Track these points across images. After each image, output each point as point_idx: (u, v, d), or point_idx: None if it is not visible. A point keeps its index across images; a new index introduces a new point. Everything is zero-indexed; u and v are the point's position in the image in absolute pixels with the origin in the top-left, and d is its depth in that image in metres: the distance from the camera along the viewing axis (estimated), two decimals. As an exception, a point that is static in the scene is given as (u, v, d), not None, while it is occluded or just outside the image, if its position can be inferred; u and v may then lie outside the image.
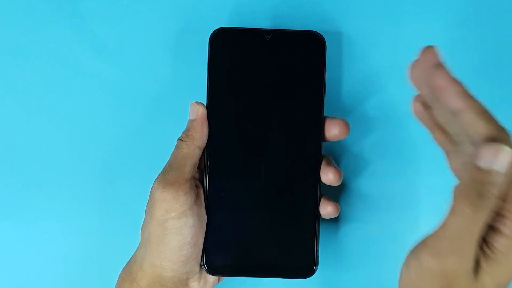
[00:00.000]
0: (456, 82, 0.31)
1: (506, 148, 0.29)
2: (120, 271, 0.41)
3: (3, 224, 0.46)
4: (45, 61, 0.46)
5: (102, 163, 0.46)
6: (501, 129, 0.30)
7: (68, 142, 0.46)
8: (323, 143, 0.41)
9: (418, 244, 0.33)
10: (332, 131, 0.40)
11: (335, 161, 0.42)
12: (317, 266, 0.40)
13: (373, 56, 0.45)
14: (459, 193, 0.30)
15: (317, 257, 0.40)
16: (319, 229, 0.41)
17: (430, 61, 0.31)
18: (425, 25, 0.45)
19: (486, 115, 0.30)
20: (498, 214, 0.31)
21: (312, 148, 0.40)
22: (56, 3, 0.46)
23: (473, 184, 0.30)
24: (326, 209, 0.40)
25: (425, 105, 0.35)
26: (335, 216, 0.41)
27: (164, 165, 0.39)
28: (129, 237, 0.44)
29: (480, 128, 0.30)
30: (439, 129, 0.35)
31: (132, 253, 0.41)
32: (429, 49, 0.32)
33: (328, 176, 0.40)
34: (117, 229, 0.46)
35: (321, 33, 0.41)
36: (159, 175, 0.39)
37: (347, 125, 0.40)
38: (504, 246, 0.31)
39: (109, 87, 0.46)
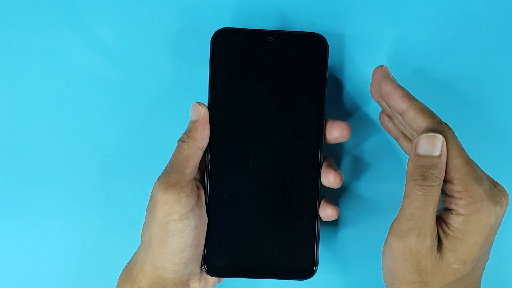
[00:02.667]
0: (399, 87, 0.37)
1: (438, 135, 0.35)
2: (120, 271, 0.41)
3: (3, 224, 0.46)
4: (45, 61, 0.45)
5: (102, 163, 0.46)
6: (439, 121, 0.36)
7: (68, 142, 0.46)
8: (324, 145, 0.41)
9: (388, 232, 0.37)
10: (333, 133, 0.41)
11: (336, 164, 0.42)
12: (317, 267, 0.41)
13: (375, 58, 0.45)
14: (408, 179, 0.36)
15: (317, 258, 0.41)
16: (319, 231, 0.41)
17: (379, 76, 0.38)
18: (426, 26, 0.45)
19: (425, 111, 0.36)
20: (451, 197, 0.35)
21: (313, 151, 0.40)
22: (56, 3, 0.45)
23: (417, 169, 0.35)
24: (326, 212, 0.41)
25: (389, 117, 0.42)
26: (335, 219, 0.41)
27: (165, 166, 0.39)
28: (129, 237, 0.44)
29: (420, 122, 0.36)
30: (403, 137, 0.41)
31: (132, 254, 0.41)
32: (378, 68, 0.39)
33: (328, 179, 0.40)
34: (117, 229, 0.46)
35: (323, 35, 0.40)
36: (160, 176, 0.39)
37: (348, 128, 0.40)
38: (460, 224, 0.35)
39: (110, 87, 0.45)
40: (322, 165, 0.41)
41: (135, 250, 0.41)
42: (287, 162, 0.40)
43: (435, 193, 0.35)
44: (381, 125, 0.43)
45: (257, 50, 0.40)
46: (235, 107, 0.40)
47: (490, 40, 0.45)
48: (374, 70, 0.39)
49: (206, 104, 0.40)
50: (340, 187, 0.41)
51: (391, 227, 0.37)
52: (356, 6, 0.45)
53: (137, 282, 0.39)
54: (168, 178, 0.38)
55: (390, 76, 0.38)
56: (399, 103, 0.36)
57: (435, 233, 0.36)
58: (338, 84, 0.45)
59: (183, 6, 0.45)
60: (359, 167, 0.45)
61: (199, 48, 0.44)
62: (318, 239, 0.41)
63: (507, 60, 0.45)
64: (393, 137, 0.42)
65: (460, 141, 0.36)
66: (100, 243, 0.46)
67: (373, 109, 0.45)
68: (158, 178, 0.39)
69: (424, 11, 0.45)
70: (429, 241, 0.35)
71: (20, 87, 0.46)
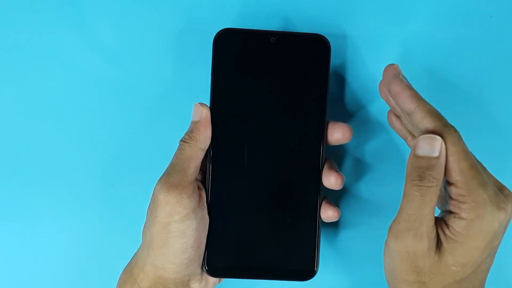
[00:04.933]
0: (409, 87, 0.36)
1: (436, 137, 0.34)
2: (121, 271, 0.41)
3: (3, 224, 0.46)
4: (46, 62, 0.45)
5: (102, 163, 0.46)
6: (446, 124, 0.35)
7: (68, 143, 0.45)
8: (326, 147, 0.41)
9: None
10: (335, 135, 0.41)
11: (337, 165, 0.42)
12: (317, 268, 0.41)
13: (377, 60, 0.45)
14: (406, 179, 0.36)
15: (318, 259, 0.41)
16: (320, 232, 0.41)
17: (390, 74, 0.37)
18: (427, 28, 0.45)
19: (433, 113, 0.35)
20: (454, 200, 0.35)
21: (314, 152, 0.40)
22: (57, 3, 0.45)
23: (415, 170, 0.35)
24: (327, 213, 0.41)
25: (397, 117, 0.41)
26: (336, 220, 0.41)
27: (167, 166, 0.39)
28: (129, 237, 0.44)
29: (427, 124, 0.35)
30: (411, 137, 0.41)
31: (132, 254, 0.41)
32: (389, 66, 0.38)
33: (330, 181, 0.40)
34: (117, 229, 0.46)
35: (326, 36, 0.40)
36: (161, 177, 0.39)
37: (350, 129, 0.41)
38: (462, 228, 0.35)
39: (111, 87, 0.45)
40: (323, 166, 0.41)
41: (135, 250, 0.41)
42: (289, 163, 0.40)
43: (432, 194, 0.35)
44: (389, 124, 0.42)
45: (259, 51, 0.40)
46: (237, 108, 0.40)
47: (491, 39, 0.45)
48: (385, 68, 0.38)
49: (208, 104, 0.40)
50: (341, 188, 0.41)
51: (389, 227, 0.37)
52: (359, 8, 0.45)
53: (137, 283, 0.39)
54: (169, 178, 0.38)
55: (400, 76, 0.37)
56: (407, 103, 0.36)
57: (434, 234, 0.35)
58: (340, 86, 0.45)
59: (185, 6, 0.45)
60: (360, 168, 0.45)
61: (201, 48, 0.44)
62: (319, 240, 0.41)
63: (508, 60, 0.45)
64: (401, 137, 0.42)
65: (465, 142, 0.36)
66: (100, 243, 0.46)
67: (374, 111, 0.45)
68: (159, 179, 0.39)
69: (425, 12, 0.45)
70: (426, 242, 0.35)
71: (20, 87, 0.45)
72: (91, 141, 0.45)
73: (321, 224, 0.41)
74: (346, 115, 0.45)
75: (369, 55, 0.45)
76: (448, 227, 0.35)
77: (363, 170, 0.45)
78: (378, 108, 0.45)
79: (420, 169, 0.35)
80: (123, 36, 0.45)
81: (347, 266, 0.46)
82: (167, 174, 0.38)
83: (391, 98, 0.39)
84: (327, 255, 0.46)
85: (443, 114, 0.36)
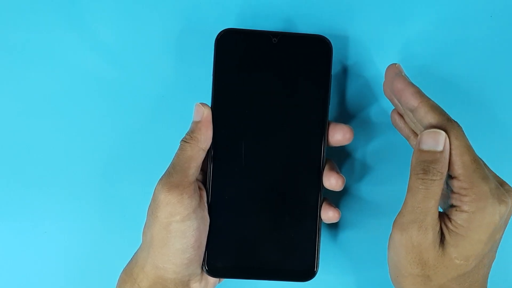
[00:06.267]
0: (411, 84, 0.37)
1: (440, 131, 0.35)
2: (120, 271, 0.41)
3: (3, 224, 0.46)
4: (46, 62, 0.45)
5: (103, 163, 0.46)
6: (449, 119, 0.36)
7: (68, 143, 0.45)
8: (326, 148, 0.41)
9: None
10: (336, 136, 0.41)
11: (337, 166, 0.42)
12: (317, 269, 0.41)
13: (378, 61, 0.45)
14: (411, 173, 0.36)
15: (318, 260, 0.41)
16: (320, 233, 0.41)
17: (392, 73, 0.39)
18: (428, 28, 0.45)
19: (436, 108, 0.36)
20: (456, 193, 0.36)
21: (315, 153, 0.40)
22: (56, 3, 0.45)
23: (419, 164, 0.36)
24: (327, 214, 0.41)
25: (400, 116, 0.42)
26: (336, 222, 0.41)
27: (167, 166, 0.39)
28: (129, 237, 0.44)
29: (430, 119, 0.36)
30: (413, 136, 0.42)
31: (132, 254, 0.41)
32: (391, 66, 0.39)
33: (330, 182, 0.40)
34: (117, 229, 0.46)
35: (327, 37, 0.40)
36: (162, 177, 0.39)
37: (351, 131, 0.41)
38: (464, 220, 0.35)
39: (111, 87, 0.45)
40: (324, 167, 0.41)
41: (135, 250, 0.41)
42: (290, 164, 0.40)
43: (437, 188, 0.35)
44: (392, 123, 0.43)
45: (261, 51, 0.40)
46: (238, 108, 0.40)
47: (491, 39, 0.45)
48: (387, 68, 0.39)
49: (209, 104, 0.40)
50: (342, 189, 0.41)
51: (394, 221, 0.37)
52: (360, 8, 0.45)
53: (137, 282, 0.39)
54: (170, 179, 0.38)
55: (403, 74, 0.38)
56: (411, 99, 0.37)
57: (438, 227, 0.36)
58: (342, 87, 0.45)
59: (185, 6, 0.45)
60: (361, 169, 0.45)
61: (201, 48, 0.44)
62: (319, 241, 0.41)
63: (508, 60, 0.45)
64: (404, 136, 0.42)
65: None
66: (100, 243, 0.46)
67: (375, 112, 0.45)
68: (160, 179, 0.39)
69: (426, 12, 0.45)
70: (431, 234, 0.36)
71: (20, 87, 0.45)
72: (91, 141, 0.45)
73: (321, 225, 0.41)
74: (347, 116, 0.45)
75: (371, 56, 0.45)
76: (450, 221, 0.36)
77: (363, 171, 0.45)
78: (379, 109, 0.45)
79: (425, 163, 0.35)
80: (123, 36, 0.45)
81: (347, 266, 0.46)
82: (168, 174, 0.38)
83: (394, 97, 0.39)
84: (327, 256, 0.46)
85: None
